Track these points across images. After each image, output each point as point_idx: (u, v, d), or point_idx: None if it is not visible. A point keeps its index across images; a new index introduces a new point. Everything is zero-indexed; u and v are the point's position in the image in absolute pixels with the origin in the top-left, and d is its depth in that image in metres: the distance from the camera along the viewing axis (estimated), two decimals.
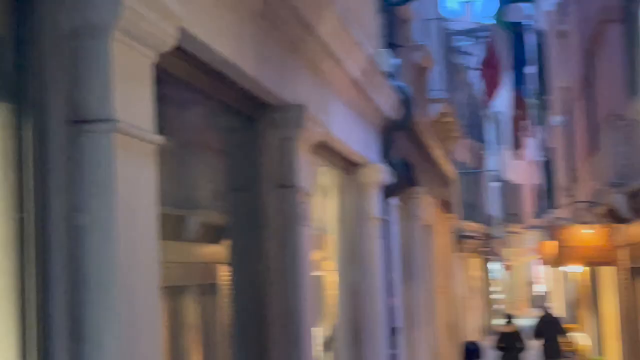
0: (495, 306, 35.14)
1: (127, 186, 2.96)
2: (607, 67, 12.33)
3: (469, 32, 26.14)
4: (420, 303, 11.83)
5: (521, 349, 19.08)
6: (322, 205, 7.31)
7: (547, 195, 27.77)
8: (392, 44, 9.45)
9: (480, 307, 31.45)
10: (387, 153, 8.68)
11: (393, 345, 9.03)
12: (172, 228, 4.61)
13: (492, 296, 35.48)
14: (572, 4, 17.39)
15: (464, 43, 25.89)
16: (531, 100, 18.38)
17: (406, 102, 8.94)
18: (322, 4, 5.46)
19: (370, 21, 8.33)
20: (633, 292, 12.40)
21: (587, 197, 15.70)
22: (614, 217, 12.45)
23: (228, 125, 5.20)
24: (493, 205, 35.18)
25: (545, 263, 22.88)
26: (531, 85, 17.32)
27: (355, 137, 7.45)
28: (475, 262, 30.69)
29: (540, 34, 18.89)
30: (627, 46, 11.07)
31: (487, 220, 31.93)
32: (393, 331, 9.02)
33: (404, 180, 9.34)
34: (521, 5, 14.99)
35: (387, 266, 8.84)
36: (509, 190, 39.70)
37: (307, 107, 5.32)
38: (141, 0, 2.96)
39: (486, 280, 34.21)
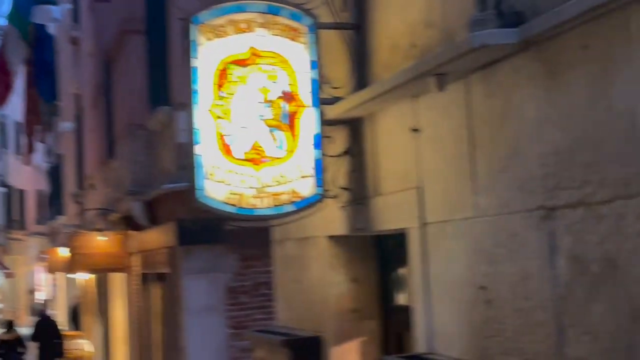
0: None
1: None
2: (127, 77, 12.54)
3: None
4: None
5: (22, 353, 20.06)
6: None
7: (53, 202, 27.42)
8: None
9: None
10: None
11: None
12: None
13: None
14: (87, 12, 17.41)
15: None
16: (44, 105, 18.02)
17: None
18: None
19: None
20: (145, 297, 12.76)
21: (99, 204, 15.82)
22: (129, 224, 12.71)
23: None
24: None
25: (52, 271, 22.61)
26: (44, 89, 16.97)
27: None
28: None
29: (55, 39, 18.64)
30: (148, 58, 11.38)
31: None
32: None
33: None
34: (50, 7, 14.63)
35: None
36: (13, 196, 38.49)
37: None
38: None
39: None
